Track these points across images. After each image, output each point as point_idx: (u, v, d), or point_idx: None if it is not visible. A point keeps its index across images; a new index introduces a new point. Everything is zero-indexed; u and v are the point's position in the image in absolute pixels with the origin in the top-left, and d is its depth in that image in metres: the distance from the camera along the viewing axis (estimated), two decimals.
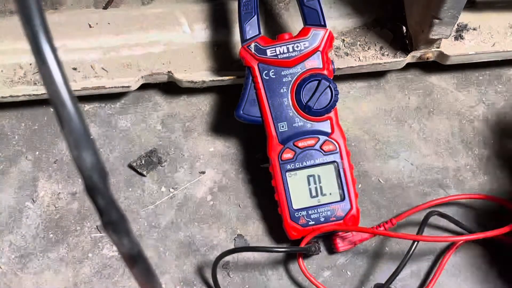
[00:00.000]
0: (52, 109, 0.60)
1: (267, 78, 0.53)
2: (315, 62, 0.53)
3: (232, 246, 0.56)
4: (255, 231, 0.57)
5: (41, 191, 0.58)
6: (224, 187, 0.58)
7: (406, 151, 0.60)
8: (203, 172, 0.59)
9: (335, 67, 0.56)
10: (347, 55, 0.59)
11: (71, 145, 0.18)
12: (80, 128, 0.17)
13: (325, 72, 0.53)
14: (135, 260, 0.23)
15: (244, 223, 0.57)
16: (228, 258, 0.55)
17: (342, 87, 0.62)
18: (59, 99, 0.16)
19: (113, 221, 0.20)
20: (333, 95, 0.52)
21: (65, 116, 0.16)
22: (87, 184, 0.20)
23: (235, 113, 0.54)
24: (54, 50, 0.17)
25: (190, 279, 0.55)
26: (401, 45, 0.59)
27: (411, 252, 0.50)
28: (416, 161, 0.59)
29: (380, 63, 0.58)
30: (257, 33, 0.54)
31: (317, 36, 0.53)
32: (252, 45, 0.53)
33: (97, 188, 0.20)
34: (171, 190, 0.58)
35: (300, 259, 0.53)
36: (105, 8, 0.61)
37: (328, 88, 0.52)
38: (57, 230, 0.56)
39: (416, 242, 0.51)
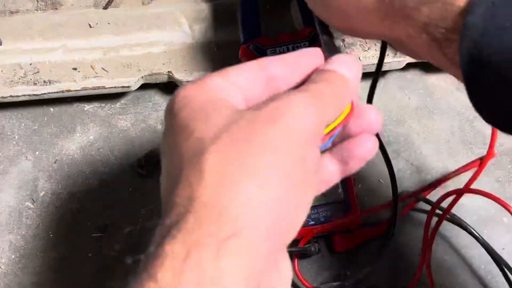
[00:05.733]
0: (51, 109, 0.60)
1: None
2: None
3: None
4: None
5: (41, 191, 0.58)
6: None
7: (406, 151, 0.60)
8: None
9: None
10: None
11: None
12: None
13: None
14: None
15: None
16: None
17: None
18: None
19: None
20: None
21: None
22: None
23: None
24: None
25: None
26: None
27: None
28: (416, 161, 0.59)
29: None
30: (257, 33, 0.54)
31: (317, 36, 0.53)
32: (252, 45, 0.53)
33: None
34: None
35: (296, 261, 0.53)
36: (105, 8, 0.61)
37: None
38: (57, 230, 0.56)
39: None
